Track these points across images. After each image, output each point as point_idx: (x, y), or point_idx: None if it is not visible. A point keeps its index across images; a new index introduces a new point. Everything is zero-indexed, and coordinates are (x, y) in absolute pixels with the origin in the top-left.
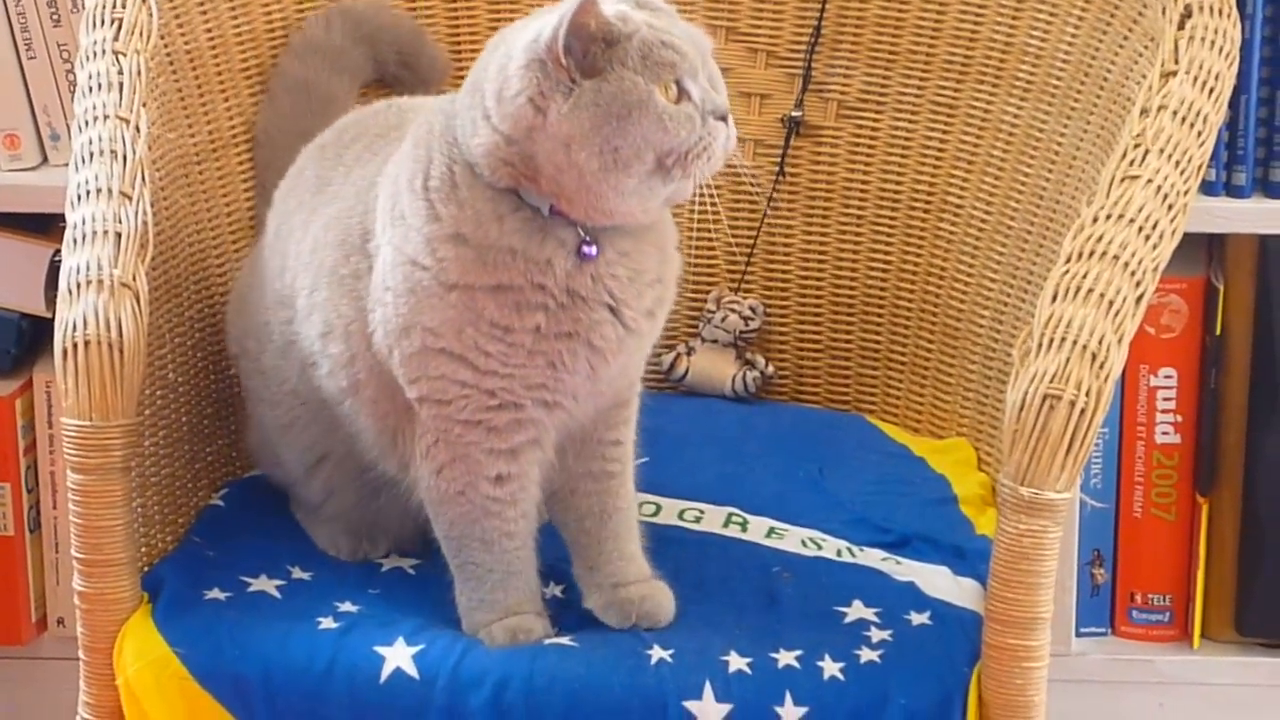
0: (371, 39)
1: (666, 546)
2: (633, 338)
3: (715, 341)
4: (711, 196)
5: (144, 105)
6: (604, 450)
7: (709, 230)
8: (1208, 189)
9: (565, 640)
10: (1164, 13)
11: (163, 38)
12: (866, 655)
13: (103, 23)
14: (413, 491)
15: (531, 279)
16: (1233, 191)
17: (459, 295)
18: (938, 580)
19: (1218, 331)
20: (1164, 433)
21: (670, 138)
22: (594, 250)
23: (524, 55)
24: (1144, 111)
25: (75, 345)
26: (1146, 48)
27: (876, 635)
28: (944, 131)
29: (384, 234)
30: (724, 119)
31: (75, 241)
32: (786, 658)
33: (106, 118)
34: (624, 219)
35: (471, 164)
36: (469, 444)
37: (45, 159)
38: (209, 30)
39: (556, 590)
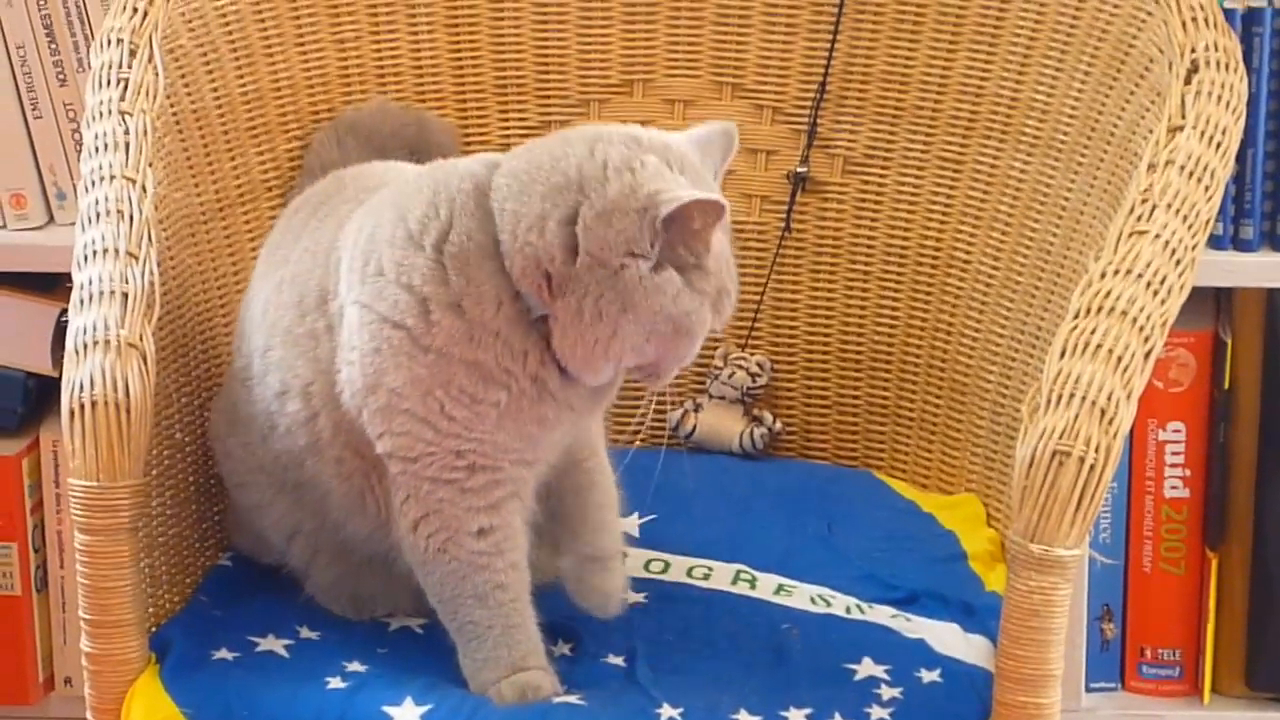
0: (382, 148)
1: (675, 604)
2: (598, 403)
3: (722, 398)
4: None
5: (150, 165)
6: (579, 462)
7: None
8: (1215, 243)
9: (574, 699)
10: (1170, 68)
11: (169, 97)
12: (877, 713)
13: (109, 83)
14: (397, 554)
15: (501, 362)
16: (1240, 245)
17: (434, 359)
18: (947, 637)
19: (1226, 385)
20: (1173, 487)
21: (687, 356)
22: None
23: (647, 203)
24: (1151, 166)
25: (82, 406)
26: (1153, 103)
27: (887, 693)
28: (951, 187)
29: (350, 292)
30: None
31: (82, 302)
32: (797, 716)
33: (113, 178)
34: (588, 379)
35: (497, 243)
36: (441, 500)
37: (51, 218)
38: (215, 89)
39: (565, 649)
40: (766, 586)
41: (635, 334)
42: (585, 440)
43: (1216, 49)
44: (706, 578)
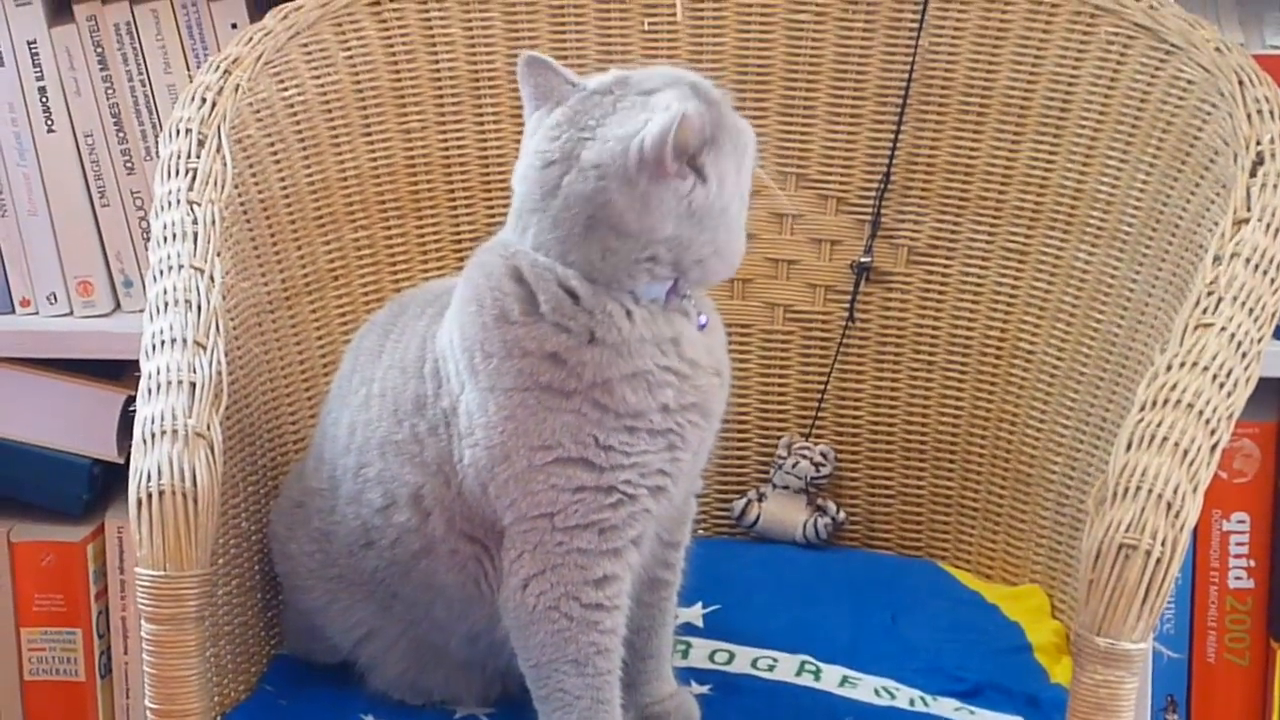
0: None
1: (740, 695)
2: (719, 399)
3: (786, 487)
4: (782, 341)
5: (218, 255)
6: (667, 555)
7: (780, 376)
8: None
9: None
10: (1235, 160)
11: (236, 187)
12: None
13: (177, 173)
14: (489, 638)
15: (658, 362)
16: None
17: (581, 400)
18: None
19: None
20: (1237, 578)
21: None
22: (705, 319)
23: (643, 172)
24: (1217, 259)
25: (150, 495)
26: (1219, 195)
27: None
28: (1015, 278)
29: (466, 388)
30: None
31: (150, 391)
32: None
33: (181, 267)
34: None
35: (571, 277)
36: (568, 552)
37: (118, 305)
38: (282, 179)
39: None
40: (831, 678)
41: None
42: (681, 520)
43: None
44: (771, 669)
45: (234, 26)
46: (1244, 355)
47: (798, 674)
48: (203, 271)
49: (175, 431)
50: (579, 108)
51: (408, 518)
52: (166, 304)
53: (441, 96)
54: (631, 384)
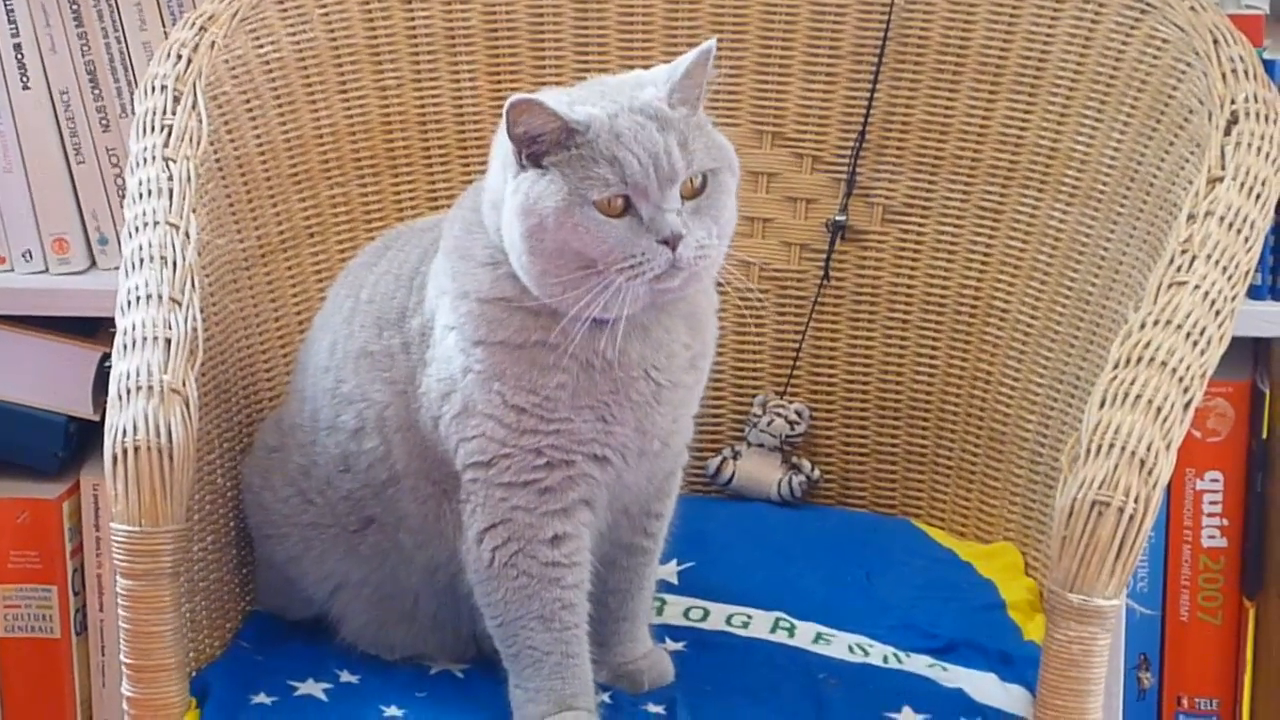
0: None
1: (714, 652)
2: (671, 392)
3: (761, 446)
4: (757, 301)
5: (194, 211)
6: (646, 524)
7: (754, 334)
8: (1253, 293)
9: None
10: (1210, 119)
11: (212, 144)
12: None
13: (153, 129)
14: (456, 587)
15: (551, 340)
16: (1278, 295)
17: (505, 356)
18: (985, 686)
19: (1264, 435)
20: (1210, 536)
21: (588, 247)
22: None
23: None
24: (1191, 217)
25: (125, 451)
26: (1193, 153)
27: None
28: (990, 236)
29: (434, 315)
30: (666, 242)
31: (126, 347)
32: None
33: (157, 224)
34: (580, 311)
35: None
36: (515, 508)
37: (93, 263)
38: (258, 136)
39: (604, 696)
40: (805, 635)
41: (535, 233)
42: (659, 493)
43: (1257, 100)
44: (745, 625)
45: None
46: (1218, 313)
47: (772, 631)
48: (178, 228)
49: (150, 387)
50: None
51: (376, 444)
52: (142, 260)
53: (418, 53)
54: (533, 353)
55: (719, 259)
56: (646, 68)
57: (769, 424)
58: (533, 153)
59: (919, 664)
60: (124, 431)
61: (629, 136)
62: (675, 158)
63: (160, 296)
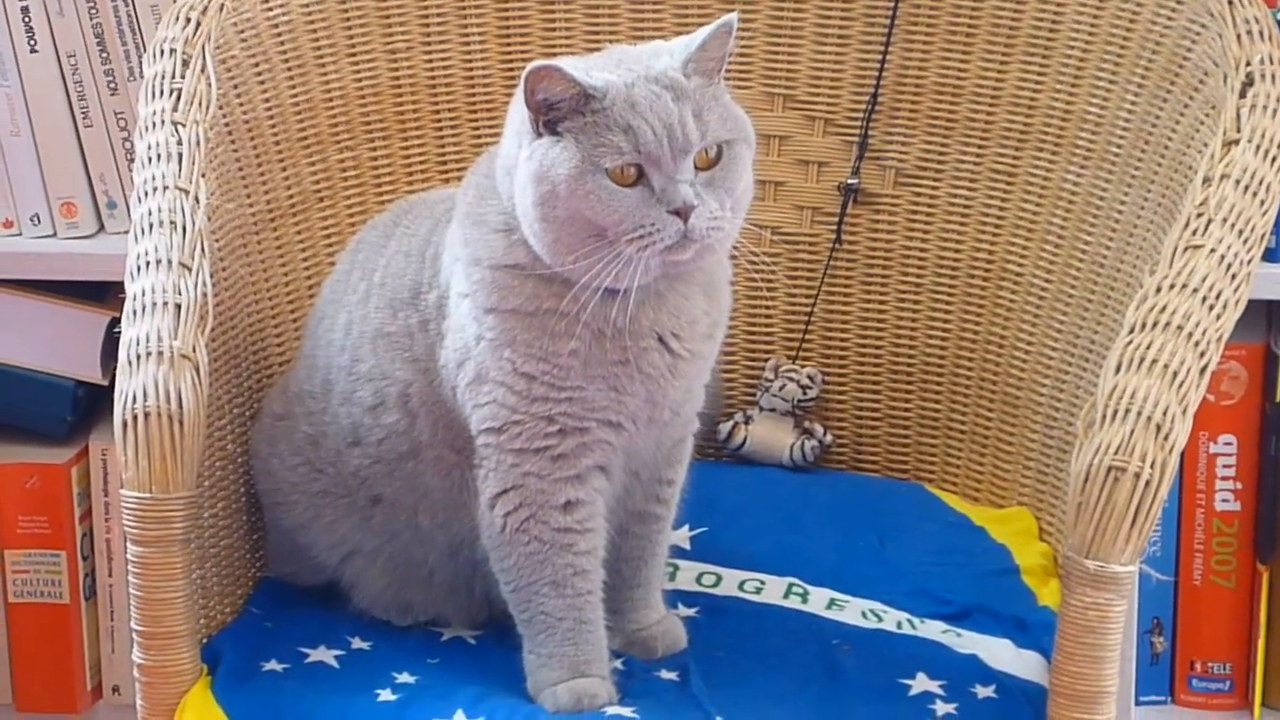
0: None
1: (727, 618)
2: (688, 363)
3: (773, 410)
4: (769, 264)
5: (203, 176)
6: (658, 490)
7: (766, 298)
8: (1269, 255)
9: (627, 711)
10: (1225, 81)
11: (221, 108)
12: None
13: (161, 93)
14: (471, 553)
15: (562, 308)
16: None
17: (517, 323)
18: (1000, 652)
19: (1278, 398)
20: (1224, 500)
21: (600, 215)
22: None
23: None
24: (1206, 180)
25: (135, 417)
26: (1208, 116)
27: (942, 708)
28: (1003, 199)
29: (449, 285)
30: (677, 213)
31: (135, 313)
32: None
33: (166, 188)
34: (592, 280)
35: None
36: (527, 474)
37: (102, 227)
38: (266, 100)
39: (617, 663)
40: (818, 601)
41: (549, 201)
42: (671, 460)
43: (1272, 62)
44: (758, 591)
45: None
46: (1233, 277)
47: (785, 596)
48: (187, 193)
49: (161, 353)
50: None
51: (396, 419)
52: (151, 225)
53: (427, 16)
54: (535, 321)
55: (733, 232)
56: (657, 31)
57: (781, 389)
58: (549, 120)
59: (933, 630)
60: (134, 397)
61: (644, 105)
62: (690, 128)
63: (170, 262)
